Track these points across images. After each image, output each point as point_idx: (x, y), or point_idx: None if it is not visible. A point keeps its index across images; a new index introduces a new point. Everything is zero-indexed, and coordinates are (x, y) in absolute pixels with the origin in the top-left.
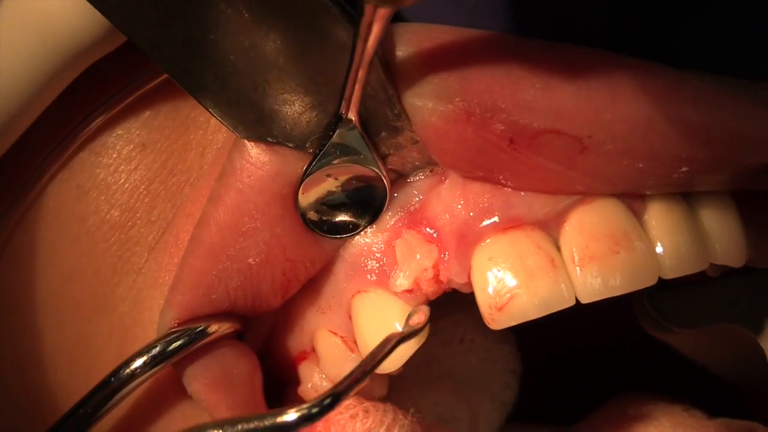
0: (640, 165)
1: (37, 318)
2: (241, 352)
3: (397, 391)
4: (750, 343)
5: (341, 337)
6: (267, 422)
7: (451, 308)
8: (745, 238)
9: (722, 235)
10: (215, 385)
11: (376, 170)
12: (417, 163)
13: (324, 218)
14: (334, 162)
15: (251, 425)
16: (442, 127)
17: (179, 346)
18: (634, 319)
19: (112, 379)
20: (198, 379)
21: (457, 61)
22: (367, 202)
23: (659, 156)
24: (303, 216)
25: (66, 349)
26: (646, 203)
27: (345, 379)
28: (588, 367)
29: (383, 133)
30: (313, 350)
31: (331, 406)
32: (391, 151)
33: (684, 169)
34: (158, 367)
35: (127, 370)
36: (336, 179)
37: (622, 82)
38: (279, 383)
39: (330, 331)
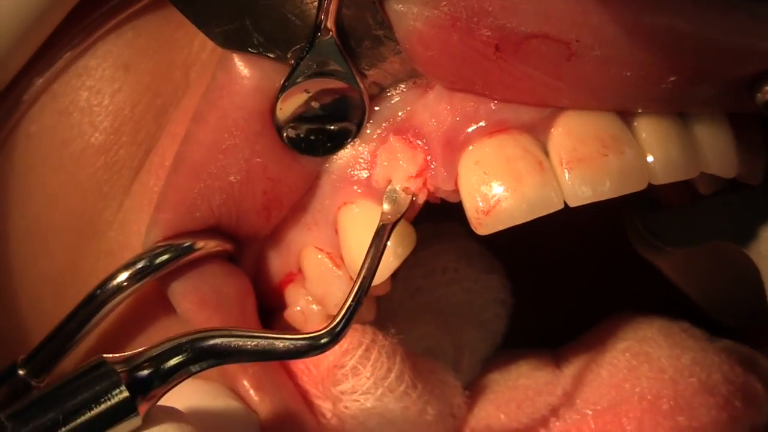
0: (628, 73)
1: (20, 246)
2: (230, 271)
3: (383, 324)
4: (742, 268)
5: (327, 253)
6: (280, 344)
7: (431, 239)
8: (736, 148)
9: (713, 144)
10: (204, 304)
11: (353, 83)
12: (399, 76)
13: (302, 135)
14: (311, 75)
15: (260, 342)
16: (427, 33)
17: (165, 260)
18: (632, 252)
19: (98, 292)
20: (187, 297)
21: None
22: (345, 118)
23: (647, 64)
24: (280, 132)
25: (52, 277)
26: (636, 116)
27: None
28: (582, 292)
29: (366, 43)
30: (300, 271)
31: (341, 334)
32: (374, 63)
33: (672, 78)
34: (143, 281)
35: (112, 284)
36: (313, 94)
37: None
38: (266, 312)
39: (316, 247)
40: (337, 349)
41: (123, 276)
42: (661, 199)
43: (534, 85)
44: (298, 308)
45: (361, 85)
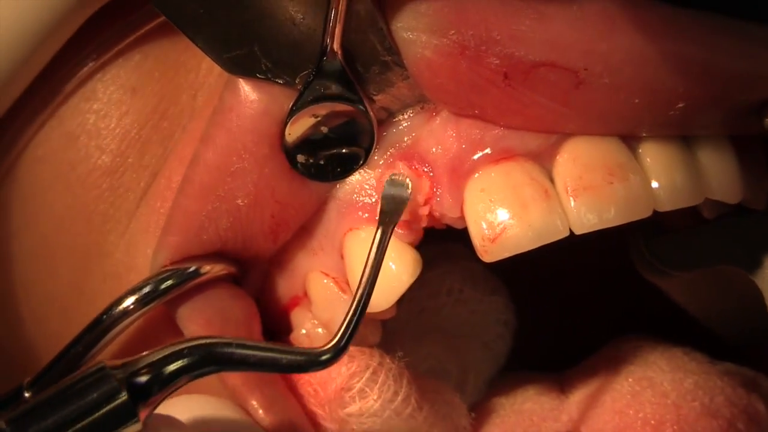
0: (636, 100)
1: (27, 267)
2: (236, 294)
3: (388, 344)
4: (746, 290)
5: (333, 278)
6: (281, 357)
7: (436, 260)
8: (740, 174)
9: (718, 170)
10: (210, 327)
11: (361, 107)
12: (407, 101)
13: (311, 160)
14: (319, 99)
15: (261, 354)
16: (436, 61)
17: (170, 285)
18: (633, 269)
19: (104, 317)
20: (193, 320)
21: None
22: (354, 143)
23: (655, 91)
24: (290, 157)
25: (59, 298)
26: (641, 141)
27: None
28: (585, 316)
29: (374, 68)
30: (306, 295)
31: (343, 350)
32: (382, 88)
33: (680, 105)
34: (149, 306)
35: (118, 309)
36: (321, 118)
37: (618, 13)
38: (271, 333)
39: (322, 272)
40: (344, 372)
41: (129, 301)
42: (665, 222)
43: (542, 112)
44: (304, 331)
45: (370, 110)
